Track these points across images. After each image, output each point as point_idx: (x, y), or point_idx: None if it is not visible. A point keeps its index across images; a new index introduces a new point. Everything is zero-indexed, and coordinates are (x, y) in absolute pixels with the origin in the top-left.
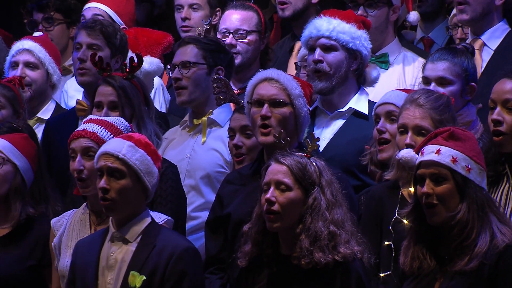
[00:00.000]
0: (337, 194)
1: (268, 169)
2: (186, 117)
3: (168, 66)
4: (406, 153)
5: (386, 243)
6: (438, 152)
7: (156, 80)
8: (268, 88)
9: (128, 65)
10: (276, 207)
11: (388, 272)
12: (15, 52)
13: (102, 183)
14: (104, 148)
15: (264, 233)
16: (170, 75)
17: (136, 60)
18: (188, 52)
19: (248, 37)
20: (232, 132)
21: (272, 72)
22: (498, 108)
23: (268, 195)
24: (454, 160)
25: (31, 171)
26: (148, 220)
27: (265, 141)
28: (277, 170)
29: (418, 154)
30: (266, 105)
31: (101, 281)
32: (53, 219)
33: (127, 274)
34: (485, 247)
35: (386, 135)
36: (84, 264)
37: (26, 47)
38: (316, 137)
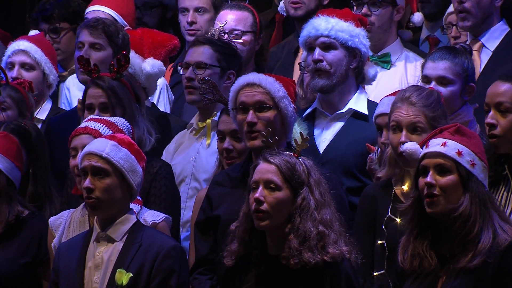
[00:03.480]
0: (326, 194)
1: (256, 168)
2: (193, 120)
3: (179, 65)
4: (411, 145)
5: (379, 242)
6: (444, 144)
7: (161, 80)
8: (251, 94)
9: (116, 65)
10: (264, 206)
11: (382, 271)
12: (10, 53)
13: (86, 182)
14: (87, 148)
15: (251, 232)
16: (181, 73)
17: (123, 60)
18: (204, 53)
19: (243, 38)
20: (221, 135)
21: (253, 77)
22: (492, 112)
23: (257, 195)
24: (459, 153)
25: (16, 169)
26: (133, 219)
27: (254, 145)
28: (265, 169)
29: (422, 148)
30: (251, 112)
31: (87, 281)
32: (51, 218)
33: (113, 272)
34: (488, 243)
35: None
36: (69, 265)
37: (22, 48)
38: (305, 136)
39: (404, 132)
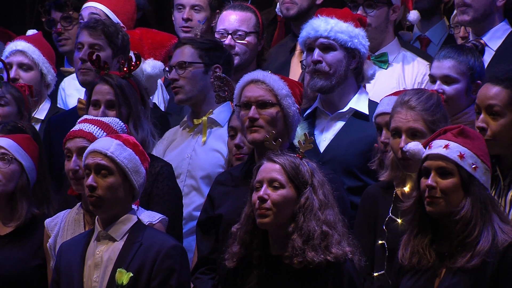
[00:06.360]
0: (329, 196)
1: (260, 168)
2: (186, 117)
3: (167, 69)
4: (414, 145)
5: (380, 242)
6: (446, 146)
7: None
8: (255, 90)
9: (127, 64)
10: (268, 204)
11: (382, 272)
12: (8, 54)
13: (89, 180)
14: (92, 146)
15: (253, 233)
16: (168, 77)
17: (134, 59)
18: (184, 53)
19: (247, 38)
20: (233, 131)
21: (257, 74)
22: (482, 115)
23: (260, 193)
24: (461, 156)
25: (35, 171)
26: (135, 219)
27: (254, 138)
28: (270, 169)
29: (425, 148)
30: (253, 107)
31: (87, 279)
32: (47, 219)
33: (113, 271)
34: (487, 245)
35: None
36: (69, 264)
37: (19, 48)
38: (309, 137)
39: (403, 137)
